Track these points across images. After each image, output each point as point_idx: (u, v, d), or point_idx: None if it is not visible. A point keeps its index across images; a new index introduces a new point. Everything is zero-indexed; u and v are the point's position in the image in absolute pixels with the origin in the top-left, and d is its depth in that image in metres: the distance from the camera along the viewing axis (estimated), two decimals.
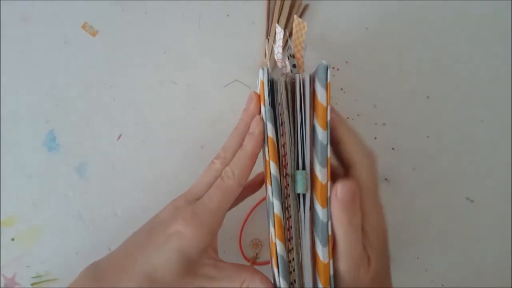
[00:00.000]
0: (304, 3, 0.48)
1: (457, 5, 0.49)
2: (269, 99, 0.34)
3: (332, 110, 0.34)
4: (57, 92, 0.47)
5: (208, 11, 0.48)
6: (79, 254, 0.45)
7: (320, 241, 0.33)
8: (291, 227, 0.33)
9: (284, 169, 0.34)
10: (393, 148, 0.47)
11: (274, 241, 0.33)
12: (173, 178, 0.46)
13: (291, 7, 0.47)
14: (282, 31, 0.37)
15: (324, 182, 0.33)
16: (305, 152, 0.34)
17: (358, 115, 0.47)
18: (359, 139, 0.35)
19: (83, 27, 0.48)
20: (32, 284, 0.45)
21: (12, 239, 0.45)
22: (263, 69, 0.34)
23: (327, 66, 0.34)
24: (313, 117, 0.34)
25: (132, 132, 0.47)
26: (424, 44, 0.48)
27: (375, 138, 0.47)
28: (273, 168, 0.33)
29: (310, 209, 0.34)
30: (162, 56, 0.48)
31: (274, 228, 0.33)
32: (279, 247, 0.32)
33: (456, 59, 0.48)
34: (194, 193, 0.36)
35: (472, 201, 0.47)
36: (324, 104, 0.33)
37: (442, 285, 0.46)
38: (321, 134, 0.33)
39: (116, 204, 0.46)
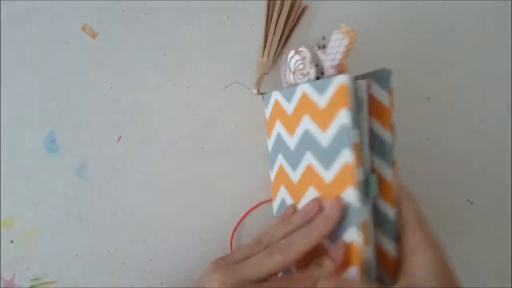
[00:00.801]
0: (303, 3, 0.48)
1: (457, 5, 0.49)
2: (354, 105, 0.33)
3: None
4: (57, 93, 0.47)
5: (208, 12, 0.48)
6: (78, 256, 0.45)
7: (392, 238, 0.34)
8: None
9: None
10: None
11: (360, 247, 0.32)
12: (173, 179, 0.46)
13: (291, 7, 0.47)
14: (345, 38, 0.35)
15: (392, 183, 0.34)
16: (367, 156, 0.34)
17: None
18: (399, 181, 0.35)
19: (83, 29, 0.48)
20: (31, 287, 0.44)
21: (12, 241, 0.45)
22: (346, 75, 0.33)
23: (390, 72, 0.35)
24: (371, 121, 0.35)
25: (132, 133, 0.47)
26: (424, 44, 0.48)
27: None
28: (360, 174, 0.33)
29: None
30: (162, 57, 0.48)
31: (364, 234, 0.32)
32: (369, 252, 0.33)
33: (456, 59, 0.48)
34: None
35: (472, 202, 0.47)
36: (389, 107, 0.35)
37: None
38: (388, 136, 0.35)
39: (116, 205, 0.46)
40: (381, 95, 0.35)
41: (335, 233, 0.33)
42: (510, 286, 0.46)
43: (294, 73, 0.39)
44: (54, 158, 0.46)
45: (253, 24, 0.48)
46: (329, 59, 0.36)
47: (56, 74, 0.47)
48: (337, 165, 0.33)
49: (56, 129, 0.46)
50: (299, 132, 0.37)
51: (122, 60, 0.47)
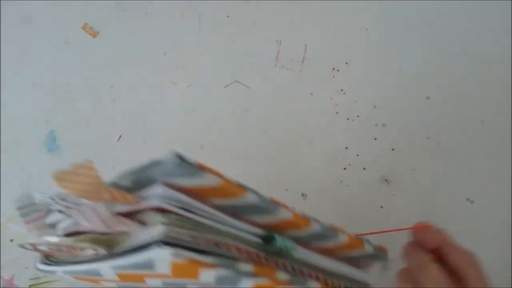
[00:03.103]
0: None
1: (457, 5, 0.49)
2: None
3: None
4: (57, 93, 0.47)
5: (208, 11, 0.48)
6: None
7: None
8: None
9: None
10: (393, 149, 0.47)
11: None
12: None
13: None
14: (93, 203, 0.24)
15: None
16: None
17: (358, 116, 0.47)
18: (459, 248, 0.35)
19: (84, 28, 0.48)
20: (30, 286, 0.44)
21: (11, 240, 0.45)
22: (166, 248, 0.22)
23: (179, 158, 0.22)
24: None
25: (132, 132, 0.47)
26: (424, 44, 0.48)
27: (375, 139, 0.47)
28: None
29: None
30: (162, 56, 0.48)
31: None
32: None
33: (456, 59, 0.48)
34: None
35: (472, 202, 0.47)
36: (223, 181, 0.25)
37: None
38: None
39: None
40: (192, 180, 0.24)
41: None
42: (510, 286, 0.46)
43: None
44: (54, 157, 0.46)
45: (253, 24, 0.48)
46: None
47: (57, 73, 0.47)
48: None
49: (57, 129, 0.46)
50: None
51: (123, 59, 0.47)
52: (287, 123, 0.46)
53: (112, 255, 0.24)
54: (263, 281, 0.26)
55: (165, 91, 0.47)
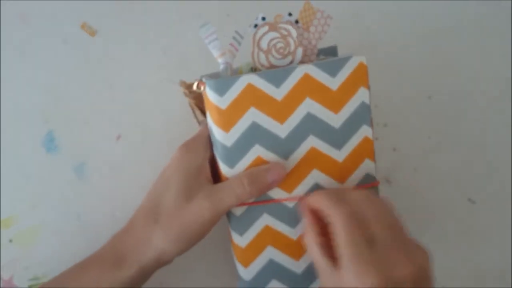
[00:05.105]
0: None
1: (458, 5, 0.49)
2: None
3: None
4: (56, 92, 0.47)
5: (208, 10, 0.48)
6: (77, 256, 0.45)
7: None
8: None
9: None
10: (394, 149, 0.47)
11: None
12: None
13: None
14: (328, 15, 0.38)
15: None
16: None
17: None
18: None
19: (82, 27, 0.47)
20: (30, 286, 0.44)
21: (10, 240, 0.45)
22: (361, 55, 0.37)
23: (336, 48, 0.39)
24: None
25: (131, 132, 0.47)
26: (425, 44, 0.48)
27: (376, 139, 0.47)
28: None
29: None
30: (161, 56, 0.47)
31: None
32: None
33: (457, 59, 0.48)
34: None
35: (473, 202, 0.47)
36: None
37: (443, 285, 0.46)
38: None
39: (115, 205, 0.46)
40: None
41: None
42: (510, 286, 0.46)
43: (267, 52, 0.36)
44: (53, 157, 0.46)
45: None
46: (315, 38, 0.37)
47: (55, 73, 0.47)
48: (353, 143, 0.36)
49: (55, 129, 0.46)
50: (296, 117, 0.35)
51: (122, 59, 0.47)
52: None
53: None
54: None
55: (165, 91, 0.47)
